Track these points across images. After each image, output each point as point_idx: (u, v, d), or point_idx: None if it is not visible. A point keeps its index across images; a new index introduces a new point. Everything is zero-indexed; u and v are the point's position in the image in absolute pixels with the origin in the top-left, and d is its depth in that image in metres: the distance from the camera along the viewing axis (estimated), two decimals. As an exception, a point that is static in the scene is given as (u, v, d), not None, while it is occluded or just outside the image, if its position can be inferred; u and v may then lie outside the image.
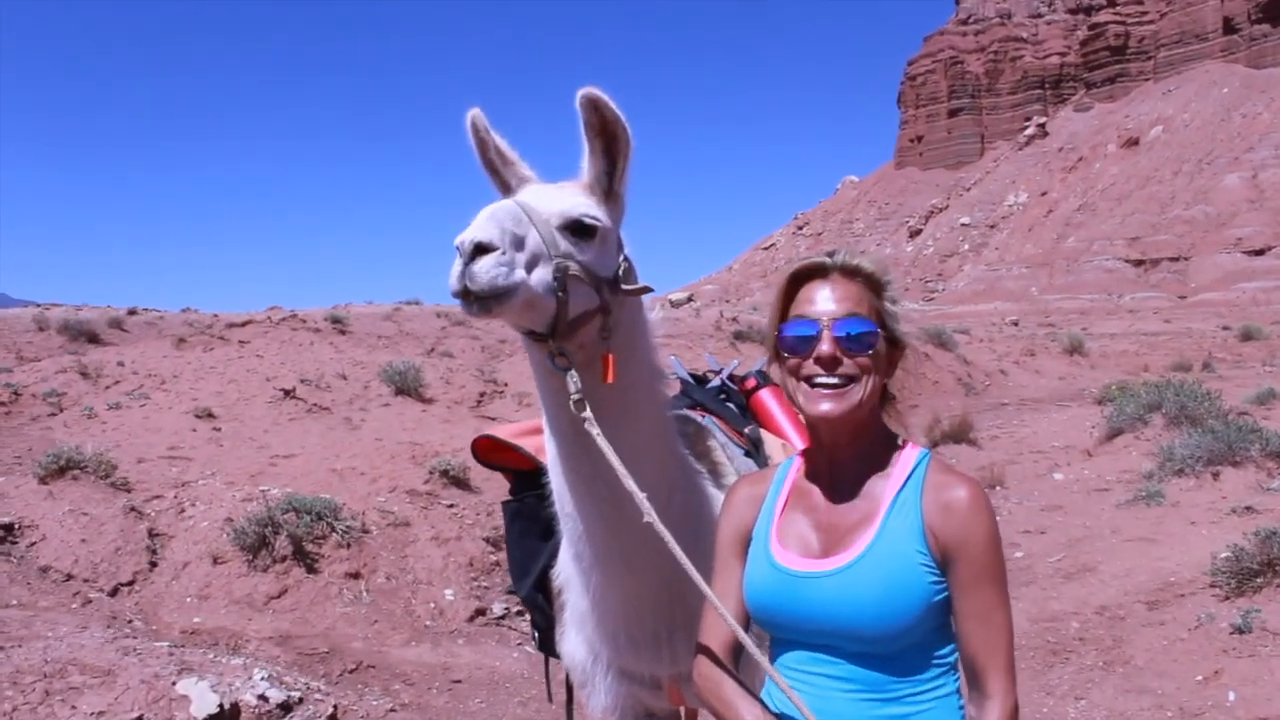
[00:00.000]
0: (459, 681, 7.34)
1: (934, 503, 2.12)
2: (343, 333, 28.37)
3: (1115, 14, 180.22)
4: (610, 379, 2.52)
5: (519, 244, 2.36)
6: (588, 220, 2.51)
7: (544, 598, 3.46)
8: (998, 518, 8.09)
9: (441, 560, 9.19)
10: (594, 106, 2.46)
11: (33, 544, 8.41)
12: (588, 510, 2.75)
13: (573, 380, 2.45)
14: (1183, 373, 27.94)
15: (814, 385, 2.18)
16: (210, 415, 15.19)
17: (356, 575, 8.57)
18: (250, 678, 6.04)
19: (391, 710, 6.54)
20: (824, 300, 2.21)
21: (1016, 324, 78.27)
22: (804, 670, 2.21)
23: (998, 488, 13.62)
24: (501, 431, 3.56)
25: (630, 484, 2.36)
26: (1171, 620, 7.26)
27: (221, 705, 5.60)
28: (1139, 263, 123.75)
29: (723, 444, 3.38)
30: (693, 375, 4.10)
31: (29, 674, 5.50)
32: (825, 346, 2.15)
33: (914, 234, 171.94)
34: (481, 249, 2.29)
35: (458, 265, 2.29)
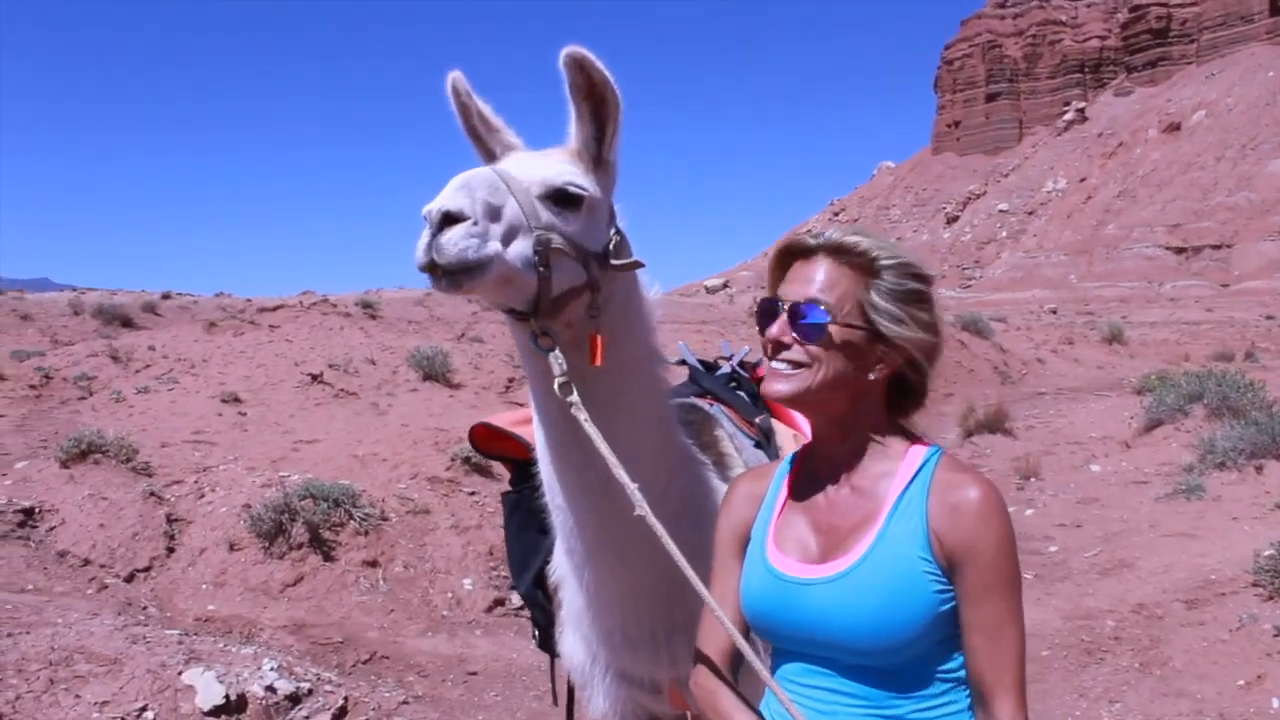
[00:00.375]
0: (475, 673, 7.20)
1: (940, 504, 1.94)
2: (373, 317, 28.41)
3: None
4: (598, 361, 2.33)
5: (494, 214, 2.18)
6: (572, 189, 2.31)
7: (543, 594, 3.30)
8: (1031, 510, 7.82)
9: (461, 549, 9.05)
10: (579, 66, 2.26)
11: (52, 528, 8.37)
12: (578, 502, 2.58)
13: (557, 362, 2.26)
14: (1225, 363, 27.30)
15: (772, 365, 2.08)
16: (236, 400, 15.19)
17: (374, 563, 8.45)
18: (259, 668, 5.93)
19: (404, 702, 6.40)
20: (797, 280, 2.07)
21: (1055, 312, 77.40)
22: (804, 683, 2.04)
23: (1032, 479, 13.33)
24: (500, 419, 3.38)
25: (621, 473, 2.18)
26: (1212, 620, 6.99)
27: (228, 696, 5.49)
28: (1180, 250, 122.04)
29: (731, 434, 3.18)
30: (702, 362, 3.90)
31: (35, 661, 5.41)
32: (774, 329, 2.05)
33: (951, 220, 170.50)
34: (450, 219, 2.10)
35: (424, 236, 2.10)
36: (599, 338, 2.34)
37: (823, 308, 2.00)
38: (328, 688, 6.10)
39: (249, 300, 34.74)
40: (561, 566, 2.89)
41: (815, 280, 2.03)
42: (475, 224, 2.12)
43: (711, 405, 3.33)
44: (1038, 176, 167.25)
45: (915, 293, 2.03)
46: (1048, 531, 10.56)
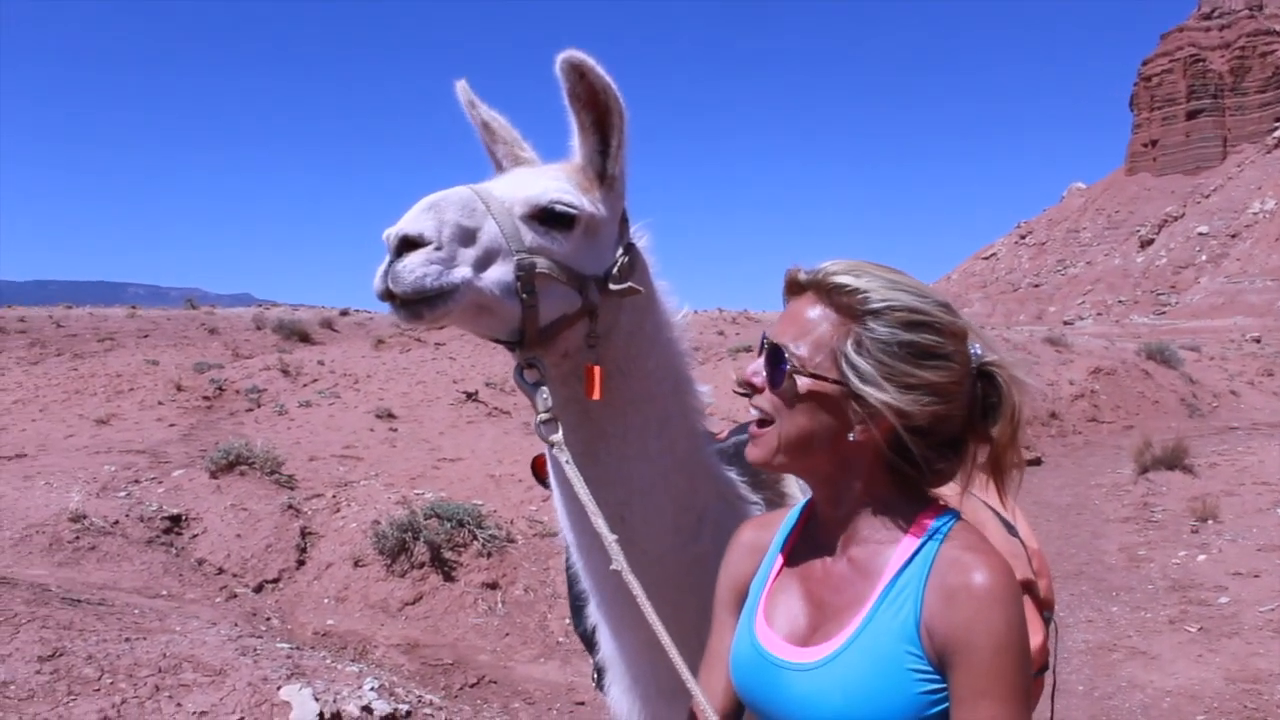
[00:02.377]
0: (582, 703, 7.08)
1: (938, 588, 1.66)
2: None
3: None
4: (595, 395, 2.15)
5: (467, 237, 2.01)
6: (559, 208, 2.12)
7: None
8: (1204, 556, 7.16)
9: (584, 574, 8.98)
10: (578, 73, 2.08)
11: (195, 536, 8.73)
12: (587, 545, 2.41)
13: (541, 398, 2.10)
14: None
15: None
16: (390, 415, 15.61)
17: (494, 585, 8.45)
18: (360, 687, 5.95)
19: (505, 730, 6.34)
20: (782, 318, 1.83)
21: (1259, 340, 72.24)
22: None
23: (1209, 521, 12.31)
24: None
25: (599, 523, 2.02)
26: (1398, 695, 6.21)
27: (321, 714, 5.51)
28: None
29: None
30: None
31: (145, 667, 5.57)
32: (748, 366, 1.84)
33: (1145, 244, 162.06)
34: (410, 244, 1.95)
35: (384, 262, 1.96)
36: (596, 369, 2.16)
37: (787, 354, 1.75)
38: (427, 710, 6.08)
39: (421, 318, 35.93)
40: (593, 611, 2.73)
41: (795, 321, 1.79)
42: (439, 249, 1.96)
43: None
44: (1243, 197, 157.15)
45: (914, 346, 1.71)
46: (1220, 580, 9.71)
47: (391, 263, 1.95)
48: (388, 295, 1.97)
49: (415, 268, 1.93)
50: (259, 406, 16.67)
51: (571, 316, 2.15)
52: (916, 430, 1.71)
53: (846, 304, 1.73)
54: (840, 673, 1.69)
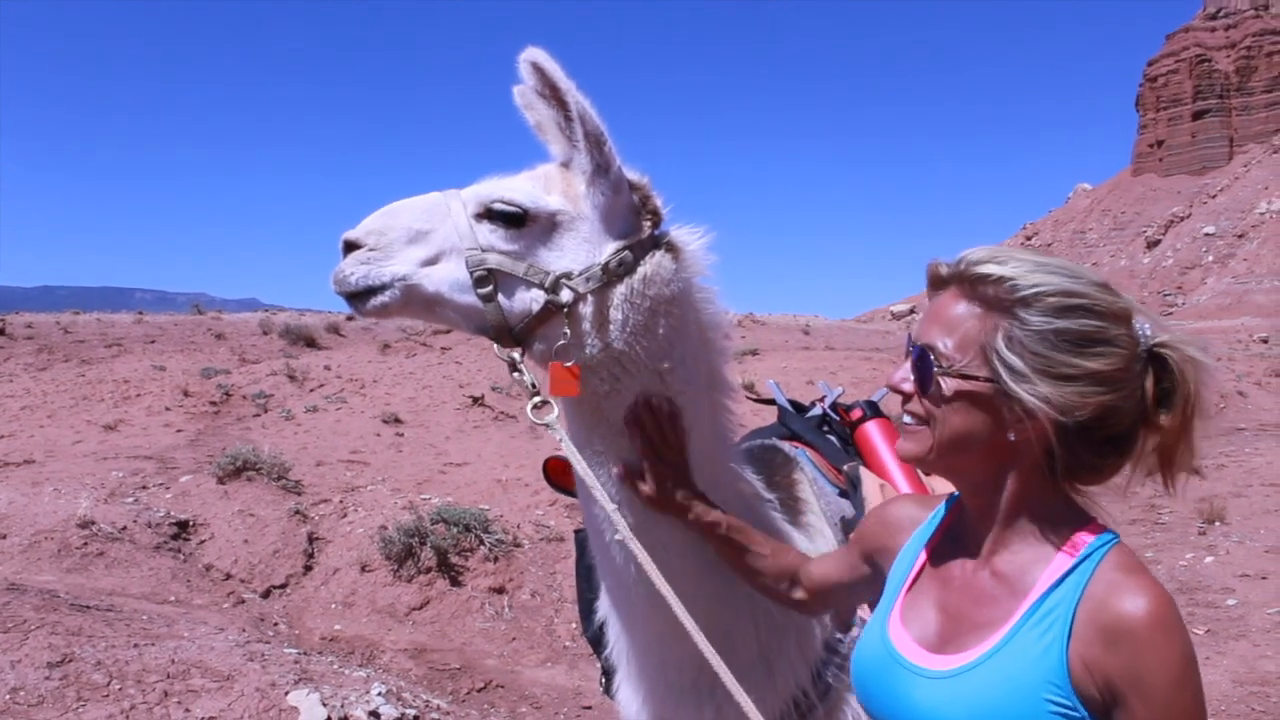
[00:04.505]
0: (589, 708, 7.08)
1: (1092, 620, 1.51)
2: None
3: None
4: (575, 392, 2.18)
5: (415, 238, 2.16)
6: (499, 206, 2.17)
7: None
8: (1212, 558, 7.12)
9: (590, 578, 9.00)
10: (539, 71, 2.13)
11: (202, 542, 8.76)
12: (600, 533, 2.42)
13: (527, 381, 2.20)
14: None
15: (902, 419, 1.78)
16: (397, 420, 15.65)
17: (501, 590, 8.47)
18: (367, 692, 5.97)
19: (512, 733, 6.35)
20: (926, 317, 1.71)
21: (1266, 341, 72.07)
22: None
23: (1217, 523, 12.29)
24: None
25: (600, 493, 2.11)
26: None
27: (329, 718, 5.53)
28: None
29: (812, 479, 2.94)
30: (793, 403, 3.67)
31: (154, 673, 5.60)
32: (896, 374, 1.75)
33: (1152, 244, 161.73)
34: (352, 247, 2.17)
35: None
36: (557, 366, 2.17)
37: (933, 355, 1.65)
38: (434, 715, 6.09)
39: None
40: (604, 605, 2.73)
41: (939, 319, 1.67)
42: (373, 250, 2.15)
43: (796, 449, 3.10)
44: (1249, 197, 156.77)
45: (1071, 334, 1.55)
46: (1227, 583, 9.70)
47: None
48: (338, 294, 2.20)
49: (346, 267, 2.16)
50: (266, 412, 16.71)
51: (541, 314, 2.17)
52: (1081, 426, 1.57)
53: (993, 295, 1.60)
54: (969, 689, 1.60)
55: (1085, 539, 1.60)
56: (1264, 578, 9.75)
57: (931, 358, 1.64)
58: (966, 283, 1.63)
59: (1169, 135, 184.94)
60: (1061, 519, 1.64)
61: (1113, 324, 1.56)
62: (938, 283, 1.70)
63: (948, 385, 1.63)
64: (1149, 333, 1.59)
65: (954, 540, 1.80)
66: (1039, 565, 1.61)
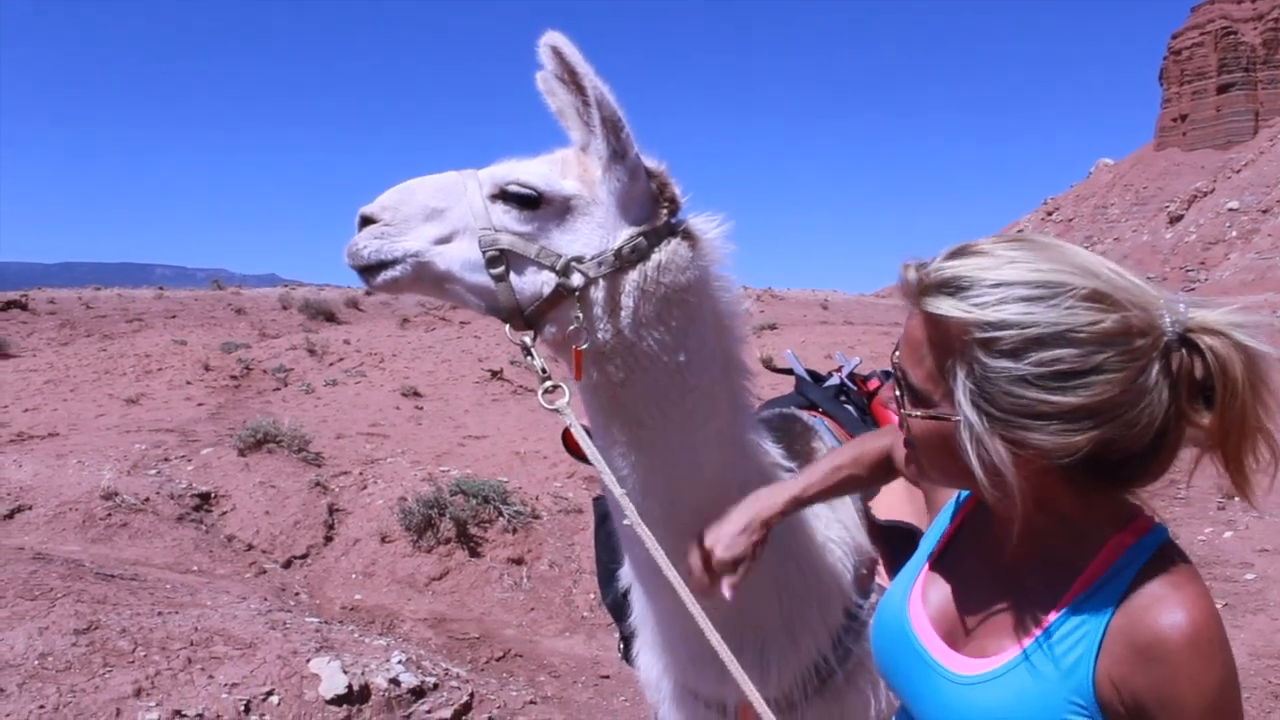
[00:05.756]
0: (606, 677, 7.14)
1: (1126, 636, 1.37)
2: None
3: None
4: (577, 376, 2.20)
5: (432, 215, 2.18)
6: (514, 188, 2.18)
7: (628, 606, 3.17)
8: (1231, 533, 7.07)
9: (608, 549, 9.05)
10: (557, 55, 2.12)
11: (224, 513, 8.84)
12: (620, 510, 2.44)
13: (537, 366, 2.19)
14: None
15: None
16: (416, 394, 15.72)
17: (519, 561, 8.53)
18: (388, 660, 6.03)
19: (531, 702, 6.39)
20: (902, 335, 1.54)
21: (1289, 318, 71.38)
22: None
23: (1237, 499, 12.21)
24: None
25: (609, 479, 2.11)
26: None
27: (350, 686, 5.60)
28: None
29: (830, 447, 2.95)
30: (811, 373, 3.67)
31: (178, 640, 5.68)
32: (885, 392, 1.67)
33: (1174, 220, 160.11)
34: (367, 221, 2.20)
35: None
36: (577, 350, 2.17)
37: (901, 387, 1.51)
38: (454, 683, 6.15)
39: (444, 299, 36.16)
40: (628, 573, 2.76)
41: (908, 343, 1.50)
42: (388, 225, 2.17)
43: (814, 417, 3.11)
44: (1274, 171, 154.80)
45: (1043, 372, 1.33)
46: (1246, 557, 9.67)
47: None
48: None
49: (360, 241, 2.19)
50: (286, 385, 16.82)
51: (552, 297, 2.17)
52: (1084, 457, 1.36)
53: (951, 333, 1.39)
54: (984, 701, 1.50)
55: (1125, 541, 1.45)
56: (1284, 552, 9.74)
57: (900, 388, 1.52)
58: (925, 312, 1.43)
59: (1193, 109, 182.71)
60: (1096, 517, 1.48)
61: (1100, 349, 1.32)
62: (908, 294, 1.48)
63: (915, 426, 1.51)
64: (1171, 322, 1.35)
65: (984, 518, 1.66)
66: (1069, 571, 1.47)
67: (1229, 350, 1.35)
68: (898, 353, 1.53)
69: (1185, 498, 12.51)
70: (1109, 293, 1.34)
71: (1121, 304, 1.33)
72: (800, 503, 2.22)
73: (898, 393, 1.54)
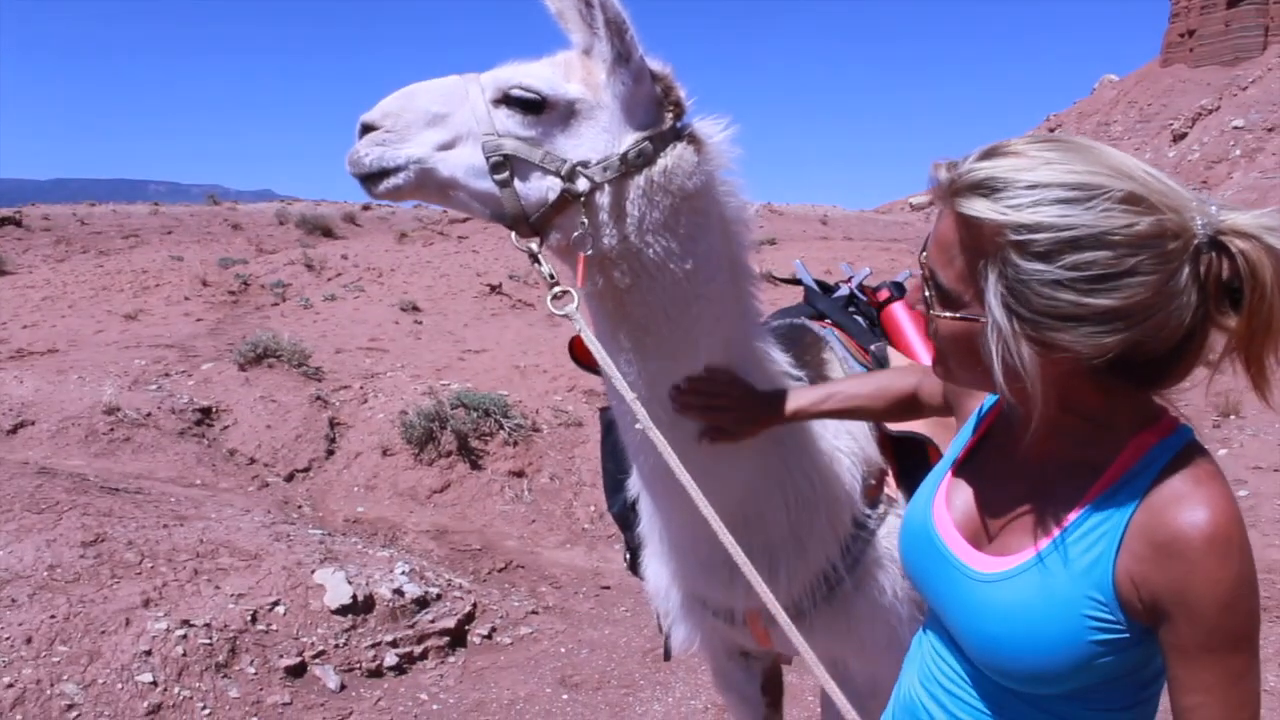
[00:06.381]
0: (607, 588, 7.24)
1: (1146, 533, 1.37)
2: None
3: None
4: (580, 283, 2.16)
5: (434, 121, 2.12)
6: (517, 92, 2.11)
7: (635, 516, 3.18)
8: (1225, 450, 7.10)
9: (608, 462, 9.12)
10: None
11: (225, 427, 8.88)
12: (627, 414, 2.44)
13: (545, 272, 2.15)
14: None
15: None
16: (415, 309, 15.70)
17: (520, 474, 8.60)
18: (391, 571, 6.11)
19: (533, 612, 6.50)
20: (932, 234, 1.51)
21: (1291, 236, 71.16)
22: (941, 660, 1.71)
23: (1232, 416, 12.31)
24: None
25: (619, 383, 2.08)
26: None
27: (355, 596, 5.68)
28: None
29: (841, 358, 2.93)
30: (820, 283, 3.64)
31: (184, 552, 5.74)
32: (912, 291, 1.58)
33: (1178, 138, 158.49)
34: (369, 129, 2.13)
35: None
36: (581, 256, 2.14)
37: (931, 286, 1.48)
38: (456, 593, 6.24)
39: (444, 211, 35.91)
40: (635, 482, 2.76)
41: (939, 244, 1.47)
42: (389, 132, 2.11)
43: (824, 328, 3.10)
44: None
45: (1075, 274, 1.32)
46: (1240, 474, 9.78)
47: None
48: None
49: (362, 149, 2.12)
50: (284, 301, 16.79)
51: (557, 203, 2.13)
52: (1112, 358, 1.37)
53: (984, 234, 1.37)
54: (1005, 597, 1.50)
55: (1148, 441, 1.44)
56: (1276, 470, 9.84)
57: (930, 288, 1.50)
58: (957, 212, 1.41)
59: (1201, 24, 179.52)
60: (1121, 417, 1.47)
61: (1132, 252, 1.30)
62: (939, 194, 1.45)
63: (943, 326, 1.50)
64: (1202, 224, 1.33)
65: (1008, 424, 1.66)
66: (1093, 471, 1.47)
67: (1260, 254, 1.32)
68: (925, 253, 1.50)
69: (1180, 415, 12.63)
70: (1144, 195, 1.32)
71: (1156, 207, 1.31)
72: (804, 416, 2.27)
73: (926, 293, 1.51)
